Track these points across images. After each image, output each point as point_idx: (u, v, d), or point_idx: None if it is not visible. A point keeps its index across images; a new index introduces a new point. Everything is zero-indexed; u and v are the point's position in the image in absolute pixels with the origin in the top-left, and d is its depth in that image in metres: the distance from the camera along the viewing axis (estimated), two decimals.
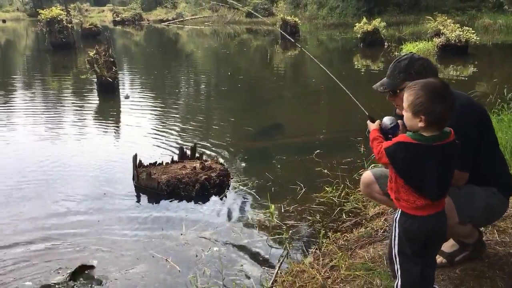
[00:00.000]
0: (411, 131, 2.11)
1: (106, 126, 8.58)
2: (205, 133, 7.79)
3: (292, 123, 8.38)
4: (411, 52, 2.66)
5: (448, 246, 2.73)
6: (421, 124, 2.04)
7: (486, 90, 9.51)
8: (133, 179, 5.35)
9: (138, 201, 4.99)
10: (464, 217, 2.49)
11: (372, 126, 2.35)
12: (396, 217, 2.18)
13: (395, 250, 2.18)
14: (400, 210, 2.17)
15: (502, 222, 3.21)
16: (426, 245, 2.17)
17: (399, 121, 2.32)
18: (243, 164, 6.23)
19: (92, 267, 3.54)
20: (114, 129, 8.47)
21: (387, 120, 2.35)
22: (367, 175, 3.01)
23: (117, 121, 9.05)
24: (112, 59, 10.81)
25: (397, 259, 2.18)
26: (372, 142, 2.24)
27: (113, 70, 10.80)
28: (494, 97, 6.79)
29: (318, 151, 5.92)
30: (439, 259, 2.70)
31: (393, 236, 2.19)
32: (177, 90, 12.55)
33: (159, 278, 3.45)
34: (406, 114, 2.11)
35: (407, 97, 2.09)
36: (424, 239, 2.14)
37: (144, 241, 4.02)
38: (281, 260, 3.59)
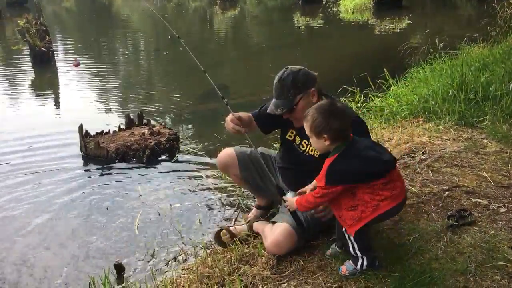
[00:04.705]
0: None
1: (45, 98, 8.29)
2: (150, 99, 7.73)
3: (236, 84, 8.45)
4: (286, 67, 2.68)
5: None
6: (327, 143, 2.23)
7: (420, 41, 9.94)
8: (81, 149, 5.28)
9: (89, 170, 4.96)
10: None
11: (293, 199, 2.44)
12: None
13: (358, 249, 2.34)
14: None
15: (436, 163, 3.51)
16: None
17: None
18: (192, 128, 6.28)
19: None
20: (55, 100, 8.21)
21: (291, 194, 2.49)
22: (229, 152, 3.18)
23: (56, 92, 8.76)
24: (44, 28, 10.36)
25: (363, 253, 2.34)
26: (307, 203, 2.33)
27: (47, 39, 10.36)
28: (426, 48, 7.15)
29: None
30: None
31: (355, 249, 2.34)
32: (116, 57, 12.22)
33: (120, 243, 3.52)
34: (312, 140, 2.30)
35: (306, 124, 2.28)
36: None
37: (102, 208, 4.06)
38: (236, 216, 3.74)
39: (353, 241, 2.32)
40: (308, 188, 2.43)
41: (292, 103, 2.62)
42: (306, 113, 2.29)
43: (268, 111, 2.74)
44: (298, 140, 2.82)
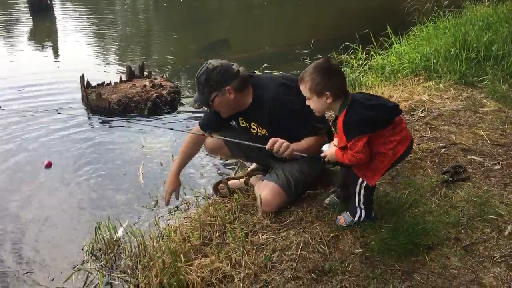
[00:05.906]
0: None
1: (44, 47, 8.22)
2: (151, 50, 7.68)
3: (237, 38, 8.36)
4: (206, 62, 2.68)
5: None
6: (329, 100, 2.16)
7: None
8: (82, 100, 5.31)
9: (91, 121, 5.00)
10: None
11: (330, 150, 2.35)
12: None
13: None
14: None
15: (434, 121, 3.57)
16: None
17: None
18: (193, 81, 6.27)
19: None
20: (54, 50, 8.13)
21: (326, 147, 2.42)
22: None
23: (55, 41, 8.66)
24: None
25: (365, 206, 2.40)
26: (344, 156, 2.24)
27: None
28: (431, 5, 7.05)
29: (265, 65, 6.05)
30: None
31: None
32: (116, 8, 11.99)
33: (124, 191, 3.62)
34: (312, 101, 2.22)
35: (305, 86, 2.19)
36: None
37: (106, 158, 4.15)
38: (236, 169, 3.83)
39: (362, 194, 2.36)
40: (333, 143, 2.37)
41: (208, 100, 2.65)
42: (302, 74, 2.21)
43: (190, 105, 2.77)
44: (248, 124, 2.83)
